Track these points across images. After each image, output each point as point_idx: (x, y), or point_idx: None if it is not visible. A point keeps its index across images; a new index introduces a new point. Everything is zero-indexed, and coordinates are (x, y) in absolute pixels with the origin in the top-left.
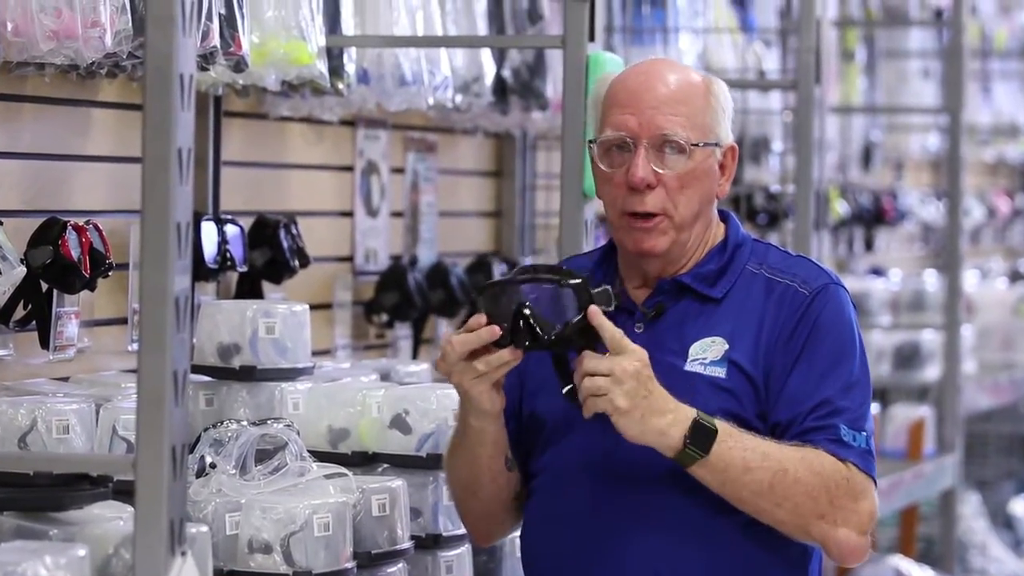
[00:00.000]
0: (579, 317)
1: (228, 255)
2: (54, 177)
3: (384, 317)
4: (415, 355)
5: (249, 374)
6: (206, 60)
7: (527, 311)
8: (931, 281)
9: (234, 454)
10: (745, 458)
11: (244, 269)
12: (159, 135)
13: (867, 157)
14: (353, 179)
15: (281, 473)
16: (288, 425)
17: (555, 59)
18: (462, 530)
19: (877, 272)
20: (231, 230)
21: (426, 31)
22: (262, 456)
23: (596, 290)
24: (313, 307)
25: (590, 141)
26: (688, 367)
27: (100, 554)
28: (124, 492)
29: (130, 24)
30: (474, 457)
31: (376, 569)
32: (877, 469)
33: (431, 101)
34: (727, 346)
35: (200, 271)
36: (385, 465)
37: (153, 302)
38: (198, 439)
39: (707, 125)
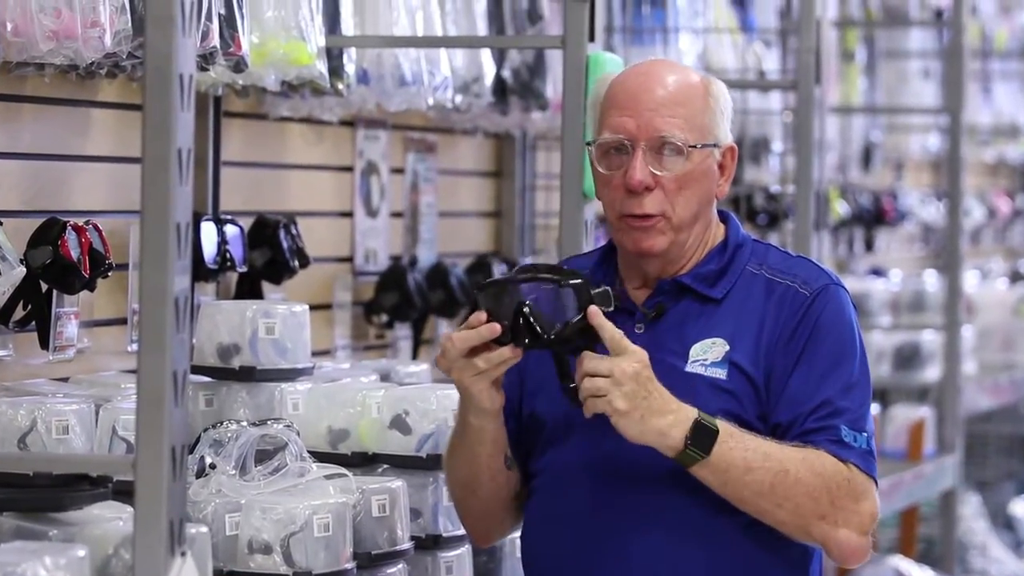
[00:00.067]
0: (579, 317)
1: (228, 255)
2: (54, 177)
3: (384, 317)
4: (415, 355)
5: (249, 374)
6: (206, 60)
7: (527, 310)
8: (931, 282)
9: (234, 454)
10: (746, 458)
11: (244, 269)
12: (159, 135)
13: (867, 157)
14: (353, 179)
15: (281, 474)
16: (288, 426)
17: (555, 59)
18: (462, 531)
19: (877, 272)
20: (231, 230)
21: (426, 31)
22: (262, 457)
23: (596, 290)
24: (313, 307)
25: (588, 143)
26: (689, 368)
27: (100, 554)
28: (124, 492)
29: (130, 24)
30: (473, 455)
31: (376, 570)
32: (877, 470)
33: (431, 101)
34: (728, 347)
35: (200, 271)
36: (385, 466)
37: (153, 302)
38: (198, 439)
39: (705, 126)
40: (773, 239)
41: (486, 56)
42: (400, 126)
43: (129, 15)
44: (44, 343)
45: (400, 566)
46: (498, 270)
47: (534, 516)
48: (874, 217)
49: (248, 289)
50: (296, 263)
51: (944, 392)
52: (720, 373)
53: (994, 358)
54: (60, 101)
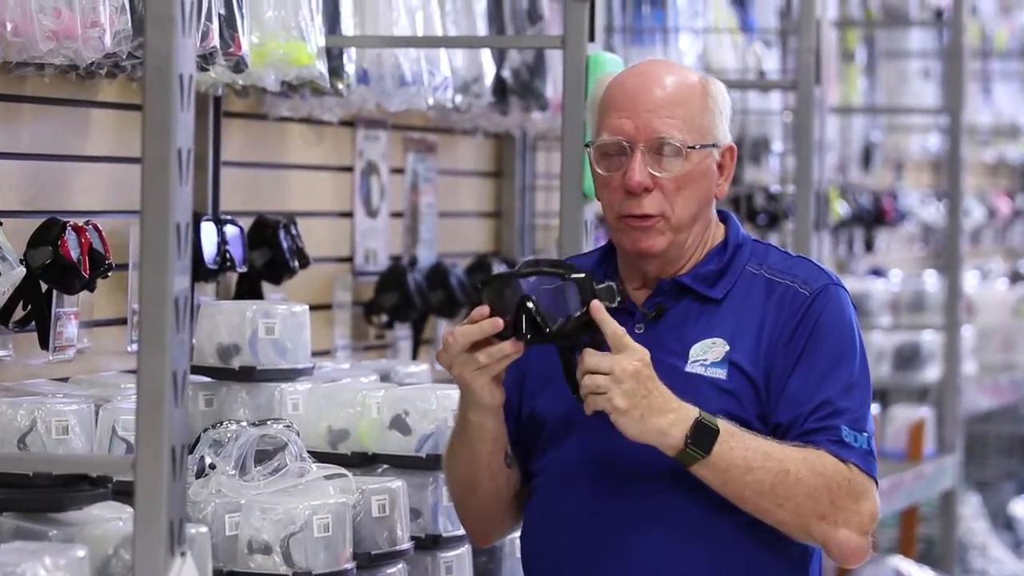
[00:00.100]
0: (582, 311)
1: (228, 256)
2: (54, 177)
3: (384, 318)
4: (415, 356)
5: (249, 375)
6: (206, 60)
7: (530, 304)
8: (931, 282)
9: (234, 455)
10: (747, 458)
11: (244, 270)
12: (159, 135)
13: (867, 157)
14: (353, 179)
15: (281, 474)
16: (288, 426)
17: (555, 59)
18: (462, 531)
19: (877, 273)
20: (231, 230)
21: (426, 31)
22: (262, 457)
23: (600, 286)
24: (313, 308)
25: (586, 144)
26: (689, 368)
27: (100, 555)
28: (124, 493)
29: (129, 24)
30: (473, 453)
31: (376, 570)
32: (878, 470)
33: (431, 101)
34: (728, 347)
35: (200, 272)
36: (385, 466)
37: (153, 302)
38: (198, 440)
39: (704, 127)
40: (773, 239)
41: (486, 56)
42: (400, 126)
43: (129, 15)
44: (44, 343)
45: (400, 566)
46: (498, 270)
47: (534, 516)
48: (874, 217)
49: (248, 289)
50: (296, 263)
51: (944, 392)
52: (720, 373)
53: (994, 358)
54: (60, 101)
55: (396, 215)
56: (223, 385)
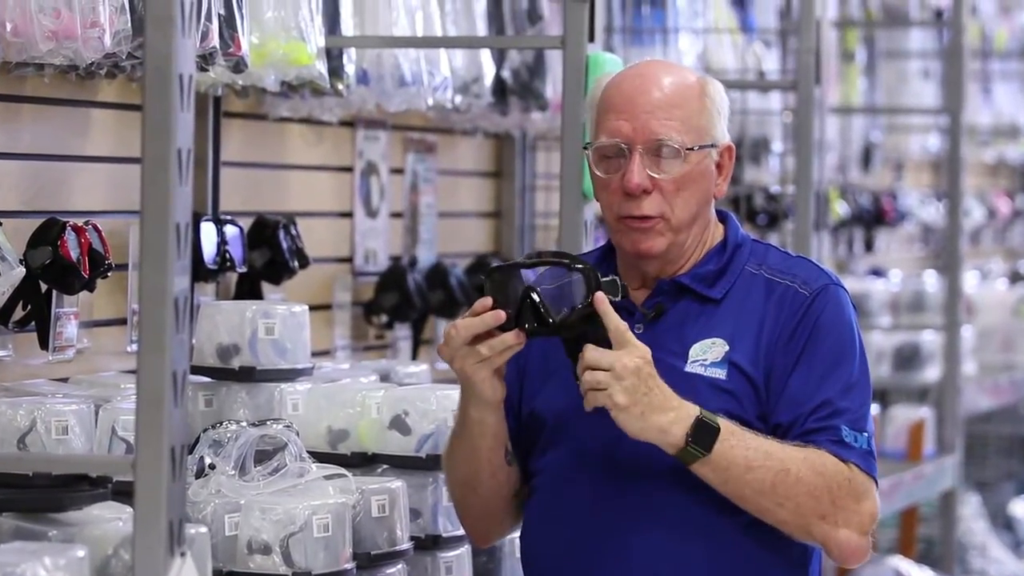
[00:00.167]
0: (585, 303)
1: (227, 256)
2: (53, 178)
3: (384, 318)
4: (415, 356)
5: (248, 375)
6: (205, 61)
7: (534, 295)
8: (931, 282)
9: (233, 455)
10: (747, 457)
11: (243, 270)
12: (158, 136)
13: (867, 158)
14: (352, 180)
15: (280, 474)
16: (287, 426)
17: (555, 60)
18: (461, 531)
19: (877, 273)
20: (230, 231)
21: (425, 32)
22: (261, 457)
23: (605, 279)
24: (312, 308)
25: (585, 146)
26: (688, 368)
27: (99, 555)
28: (123, 493)
29: (129, 24)
30: (474, 450)
31: (375, 570)
32: (878, 470)
33: (430, 102)
34: (727, 347)
35: (199, 272)
36: (384, 466)
37: (152, 303)
38: (197, 440)
39: (702, 127)
40: (773, 239)
41: (486, 56)
42: (400, 126)
43: (129, 15)
44: (44, 343)
45: (399, 566)
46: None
47: (534, 515)
48: (874, 217)
49: (248, 289)
50: (296, 263)
51: (944, 392)
52: (720, 373)
53: (994, 359)
54: (60, 101)
55: (396, 215)
56: (223, 385)
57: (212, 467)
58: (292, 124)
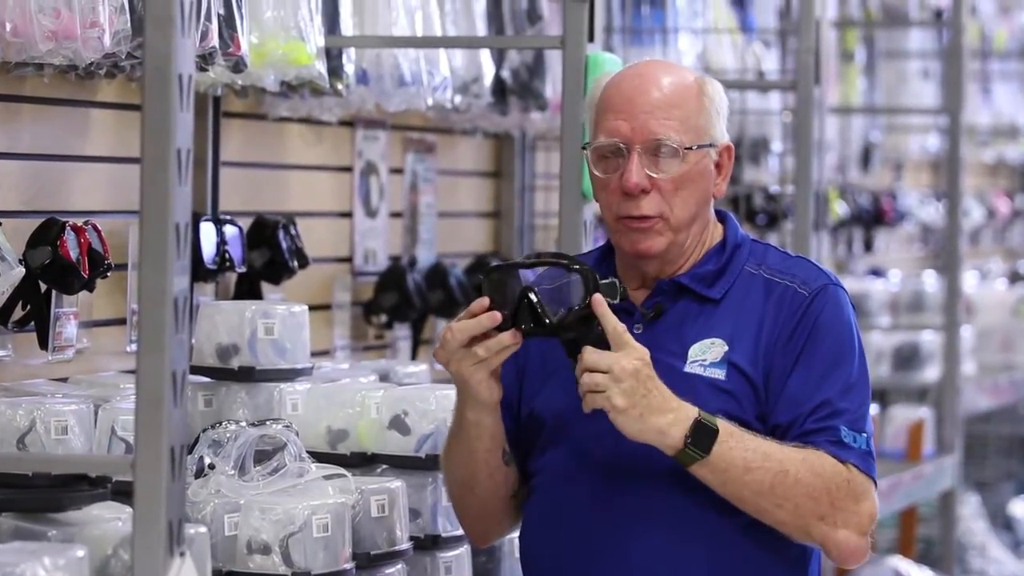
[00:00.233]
0: (583, 304)
1: (227, 256)
2: (53, 177)
3: (383, 318)
4: (414, 356)
5: (248, 375)
6: (205, 60)
7: (532, 295)
8: (930, 282)
9: (233, 455)
10: (746, 458)
11: (243, 270)
12: (158, 135)
13: (866, 158)
14: (352, 180)
15: (280, 474)
16: (287, 426)
17: (554, 60)
18: (461, 531)
19: (876, 273)
20: (230, 231)
21: (425, 32)
22: (261, 457)
23: (603, 281)
24: (312, 308)
25: (584, 146)
26: (687, 368)
27: (99, 555)
28: (123, 493)
29: (129, 24)
30: (471, 451)
31: (375, 570)
32: (877, 470)
33: (430, 102)
34: (726, 347)
35: (199, 272)
36: (384, 466)
37: (152, 303)
38: (197, 440)
39: (701, 127)
40: (772, 239)
41: (485, 56)
42: (399, 126)
43: (128, 15)
44: (43, 343)
45: (399, 566)
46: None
47: (533, 515)
48: (873, 217)
49: (247, 289)
50: (295, 263)
51: (943, 392)
52: (719, 373)
53: (993, 359)
54: (59, 101)
55: (395, 215)
56: (222, 385)
57: (212, 467)
58: (291, 124)
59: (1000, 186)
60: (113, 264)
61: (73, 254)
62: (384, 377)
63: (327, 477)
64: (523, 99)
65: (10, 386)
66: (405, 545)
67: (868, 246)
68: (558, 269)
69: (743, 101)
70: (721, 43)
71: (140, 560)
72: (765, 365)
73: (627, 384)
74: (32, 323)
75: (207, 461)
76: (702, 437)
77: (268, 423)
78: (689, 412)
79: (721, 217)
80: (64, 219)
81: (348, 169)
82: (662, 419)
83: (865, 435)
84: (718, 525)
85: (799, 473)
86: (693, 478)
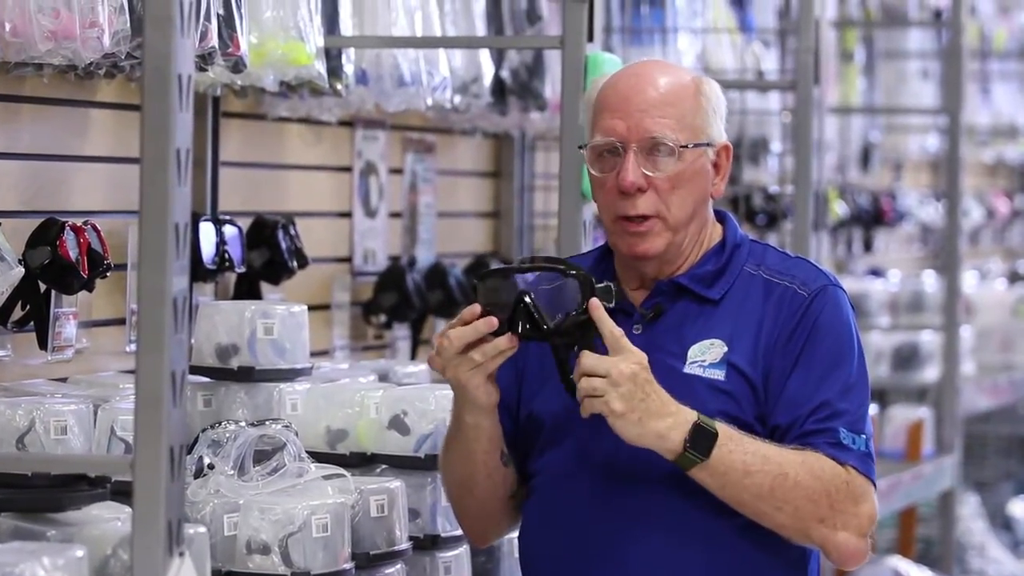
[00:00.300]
0: (580, 310)
1: (226, 256)
2: (52, 178)
3: (382, 318)
4: (413, 356)
5: (247, 375)
6: (204, 60)
7: (528, 300)
8: (930, 282)
9: (232, 455)
10: (745, 462)
11: (242, 270)
12: (157, 136)
13: (866, 158)
14: (351, 180)
15: (279, 474)
16: (286, 426)
17: (554, 60)
18: (460, 531)
19: (876, 273)
20: (229, 231)
21: (424, 32)
22: (260, 457)
23: (600, 285)
24: (311, 308)
25: (581, 146)
26: (687, 369)
27: (98, 555)
28: (122, 493)
29: (128, 24)
30: (469, 453)
31: (374, 570)
32: (876, 470)
33: (429, 102)
34: (726, 348)
35: (198, 272)
36: (383, 466)
37: (151, 303)
38: (196, 440)
39: (697, 126)
40: (772, 239)
41: (485, 56)
42: (399, 126)
43: (128, 15)
44: (43, 343)
45: (398, 566)
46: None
47: (533, 516)
48: (873, 217)
49: (247, 289)
50: (295, 263)
51: (943, 393)
52: (718, 374)
53: (993, 359)
54: (59, 101)
55: (395, 215)
56: (222, 385)
57: (211, 467)
58: (291, 124)
59: (999, 186)
60: (112, 264)
61: (72, 254)
62: (383, 377)
63: (326, 477)
64: (522, 99)
65: (9, 386)
66: (404, 545)
67: (867, 246)
68: (553, 274)
69: (742, 101)
70: (720, 43)
71: (139, 560)
72: (764, 366)
73: (625, 388)
74: (31, 323)
75: (206, 461)
76: (701, 441)
77: (267, 423)
78: (688, 416)
79: (720, 217)
80: (63, 219)
81: (347, 169)
82: (661, 423)
83: (864, 436)
84: (716, 527)
85: (798, 476)
86: (692, 481)
